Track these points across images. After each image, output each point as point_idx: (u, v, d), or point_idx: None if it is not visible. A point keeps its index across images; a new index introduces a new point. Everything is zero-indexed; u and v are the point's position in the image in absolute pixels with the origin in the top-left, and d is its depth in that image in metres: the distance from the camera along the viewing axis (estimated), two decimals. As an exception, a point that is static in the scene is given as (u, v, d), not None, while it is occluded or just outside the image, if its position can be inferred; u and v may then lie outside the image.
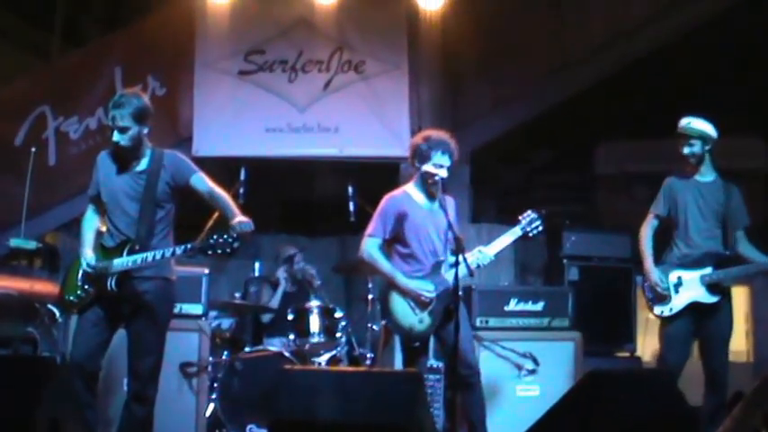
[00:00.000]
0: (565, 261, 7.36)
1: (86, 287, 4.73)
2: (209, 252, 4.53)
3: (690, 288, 5.44)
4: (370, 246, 5.24)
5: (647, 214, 5.81)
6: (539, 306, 6.38)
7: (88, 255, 4.76)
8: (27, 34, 9.14)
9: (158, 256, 4.62)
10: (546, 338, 6.30)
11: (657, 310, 5.54)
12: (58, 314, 6.30)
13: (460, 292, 5.09)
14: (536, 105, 7.87)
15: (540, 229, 5.17)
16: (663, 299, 5.50)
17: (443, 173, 5.15)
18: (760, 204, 8.20)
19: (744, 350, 7.92)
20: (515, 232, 5.19)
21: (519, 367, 6.16)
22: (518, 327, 6.30)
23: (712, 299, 5.40)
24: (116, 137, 4.69)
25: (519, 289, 6.76)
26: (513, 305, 6.33)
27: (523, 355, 6.17)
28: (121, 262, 4.65)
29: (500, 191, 8.64)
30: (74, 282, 4.78)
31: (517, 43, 7.73)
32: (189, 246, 4.59)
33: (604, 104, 8.67)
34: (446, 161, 5.16)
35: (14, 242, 6.77)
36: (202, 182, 4.86)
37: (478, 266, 5.12)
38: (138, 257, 4.64)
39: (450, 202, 5.26)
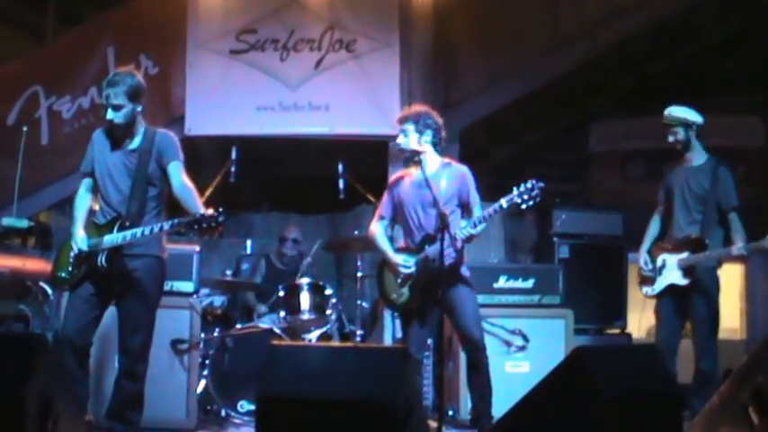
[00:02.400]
0: (555, 239, 7.40)
1: (78, 264, 4.76)
2: (196, 227, 4.50)
3: (670, 271, 5.68)
4: (374, 225, 5.44)
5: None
6: (528, 283, 6.42)
7: (80, 236, 4.78)
8: (21, 15, 9.10)
9: (147, 232, 4.64)
10: (536, 315, 6.33)
11: (644, 290, 5.86)
12: (50, 292, 6.34)
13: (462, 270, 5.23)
14: (529, 83, 7.83)
15: (539, 200, 4.97)
16: (648, 280, 5.81)
17: (402, 143, 5.26)
18: (759, 183, 8.24)
19: (737, 327, 7.96)
20: (510, 199, 4.94)
21: (508, 344, 6.20)
22: (507, 304, 6.35)
23: (684, 281, 5.60)
24: (110, 115, 4.72)
25: (508, 266, 6.81)
26: (502, 282, 6.37)
27: (513, 332, 6.21)
28: (112, 238, 4.68)
29: (491, 169, 8.64)
30: (66, 259, 4.82)
31: (510, 21, 7.70)
32: (176, 221, 4.58)
33: (598, 82, 8.66)
34: (400, 127, 5.30)
35: (7, 221, 6.79)
36: (177, 171, 4.83)
37: (470, 237, 5.08)
38: (128, 233, 4.66)
39: (455, 173, 5.26)
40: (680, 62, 8.54)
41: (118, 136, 4.83)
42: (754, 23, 8.06)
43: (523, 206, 4.94)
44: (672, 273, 5.65)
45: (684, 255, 5.59)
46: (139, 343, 4.80)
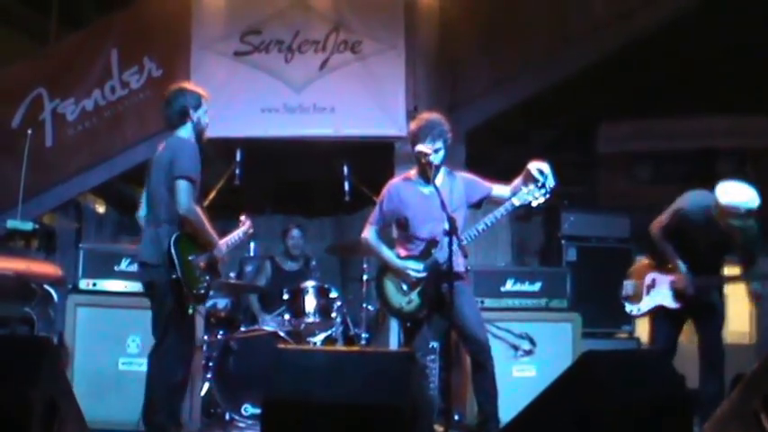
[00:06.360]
0: (563, 241, 7.35)
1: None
2: None
3: (659, 291, 5.49)
4: (368, 233, 5.32)
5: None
6: (536, 287, 6.40)
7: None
8: (25, 17, 9.09)
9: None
10: (543, 319, 6.31)
11: (628, 307, 5.63)
12: (54, 295, 6.32)
13: (464, 273, 5.15)
14: (535, 84, 7.79)
15: (547, 197, 4.98)
16: (632, 297, 5.60)
17: (433, 158, 5.08)
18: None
19: (747, 332, 7.88)
20: (521, 197, 5.00)
21: (515, 348, 6.15)
22: (515, 307, 6.32)
23: (674, 305, 5.41)
24: None
25: (515, 269, 6.77)
26: (509, 285, 6.35)
27: (520, 336, 6.16)
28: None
29: (497, 171, 8.60)
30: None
31: (516, 21, 7.67)
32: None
33: (606, 83, 8.60)
34: (434, 147, 5.08)
35: (11, 223, 6.75)
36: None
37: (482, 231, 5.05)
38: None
39: (458, 181, 5.25)
40: (688, 62, 8.47)
41: None
42: (760, 24, 8.00)
43: (534, 204, 4.98)
44: (661, 294, 5.47)
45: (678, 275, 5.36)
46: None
